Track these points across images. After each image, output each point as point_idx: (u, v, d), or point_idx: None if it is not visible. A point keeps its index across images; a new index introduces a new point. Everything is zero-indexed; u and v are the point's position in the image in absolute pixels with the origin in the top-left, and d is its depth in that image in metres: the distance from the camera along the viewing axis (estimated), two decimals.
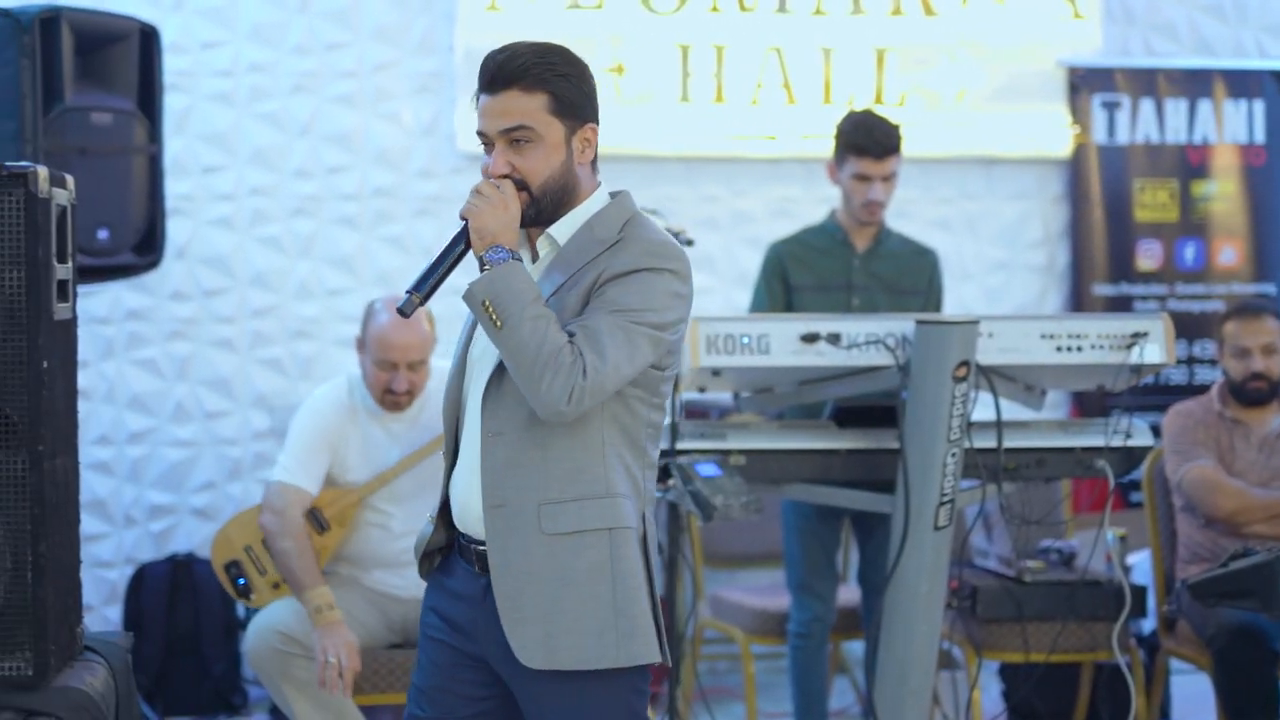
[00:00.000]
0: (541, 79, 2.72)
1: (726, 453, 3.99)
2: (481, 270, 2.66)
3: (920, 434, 3.85)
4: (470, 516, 2.77)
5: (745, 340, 3.90)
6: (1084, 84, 6.28)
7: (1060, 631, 4.47)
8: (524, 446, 2.70)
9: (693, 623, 4.35)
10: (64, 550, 2.76)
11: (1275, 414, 4.72)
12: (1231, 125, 6.38)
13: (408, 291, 2.67)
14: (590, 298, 2.68)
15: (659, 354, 2.72)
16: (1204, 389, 5.03)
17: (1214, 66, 6.39)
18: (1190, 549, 4.67)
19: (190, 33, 5.83)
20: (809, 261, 4.67)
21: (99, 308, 5.73)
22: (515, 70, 2.70)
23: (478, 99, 2.75)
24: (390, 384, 4.33)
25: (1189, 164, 6.37)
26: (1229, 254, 6.41)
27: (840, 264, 4.65)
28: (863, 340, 3.92)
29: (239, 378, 5.89)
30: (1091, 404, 5.98)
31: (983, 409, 3.95)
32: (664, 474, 3.91)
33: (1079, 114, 6.29)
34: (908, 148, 4.75)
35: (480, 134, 2.75)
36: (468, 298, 2.64)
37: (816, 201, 5.80)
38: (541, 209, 2.76)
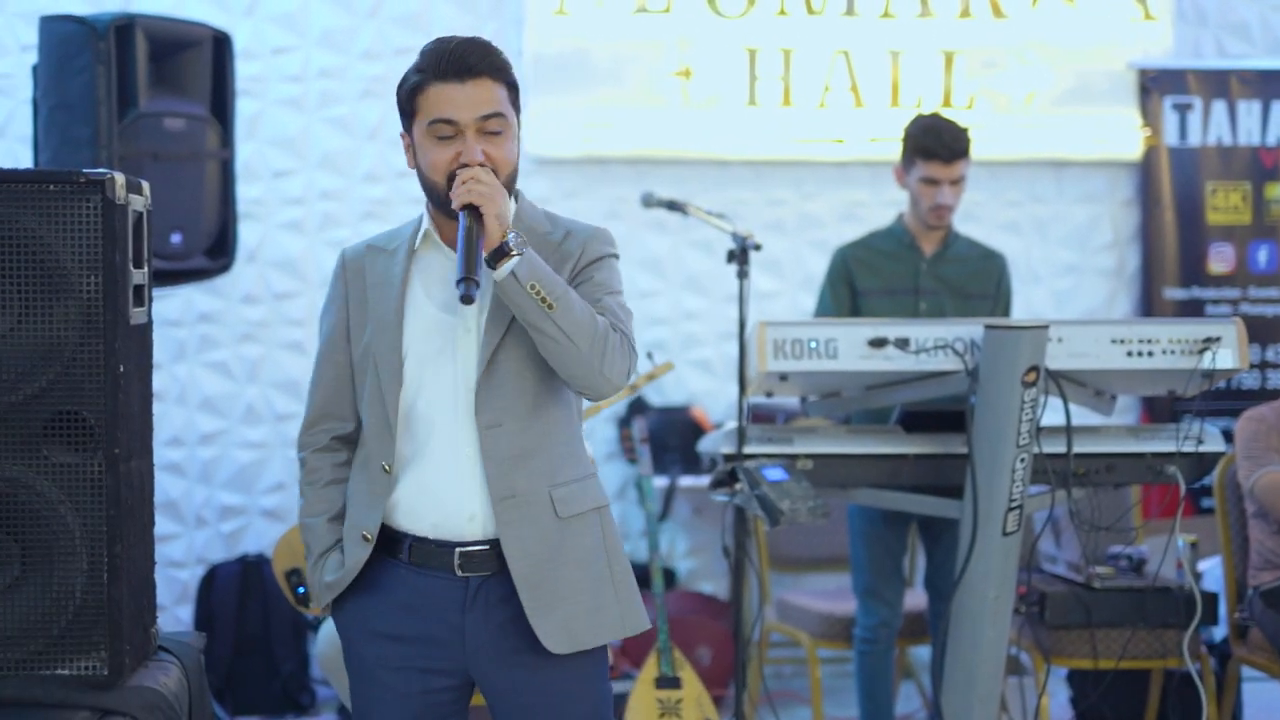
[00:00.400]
0: (504, 70, 2.77)
1: (793, 457, 3.98)
2: (499, 257, 2.63)
3: (989, 439, 3.83)
4: (456, 516, 2.74)
5: (813, 345, 3.89)
6: (1155, 85, 6.23)
7: (1130, 638, 4.43)
8: (530, 435, 2.75)
9: (759, 626, 4.34)
10: (139, 551, 2.79)
11: None
12: None
13: (461, 280, 2.59)
14: (572, 284, 2.76)
15: None
16: (1277, 394, 4.98)
17: None
18: (1262, 555, 4.61)
19: (261, 38, 5.88)
20: (876, 266, 4.65)
21: (171, 311, 5.80)
22: (486, 59, 2.73)
23: (423, 86, 2.72)
24: None
25: (1262, 166, 6.30)
26: None
27: (907, 268, 4.63)
28: (931, 345, 3.90)
29: (309, 380, 5.92)
30: (1162, 409, 5.93)
31: (1052, 414, 3.93)
32: (730, 478, 3.91)
33: (1150, 116, 6.23)
34: (976, 151, 4.73)
35: (446, 121, 2.71)
36: (506, 284, 2.63)
37: (884, 205, 5.78)
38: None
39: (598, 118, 6.00)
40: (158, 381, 5.69)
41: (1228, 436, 4.66)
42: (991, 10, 6.18)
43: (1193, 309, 6.23)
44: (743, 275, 4.16)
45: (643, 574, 5.87)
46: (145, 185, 2.83)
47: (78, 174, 2.66)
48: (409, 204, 5.96)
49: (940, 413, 4.09)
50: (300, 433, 2.94)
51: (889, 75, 6.13)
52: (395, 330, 2.77)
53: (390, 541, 2.79)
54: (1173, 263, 6.28)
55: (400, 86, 2.78)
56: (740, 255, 4.17)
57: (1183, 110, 6.27)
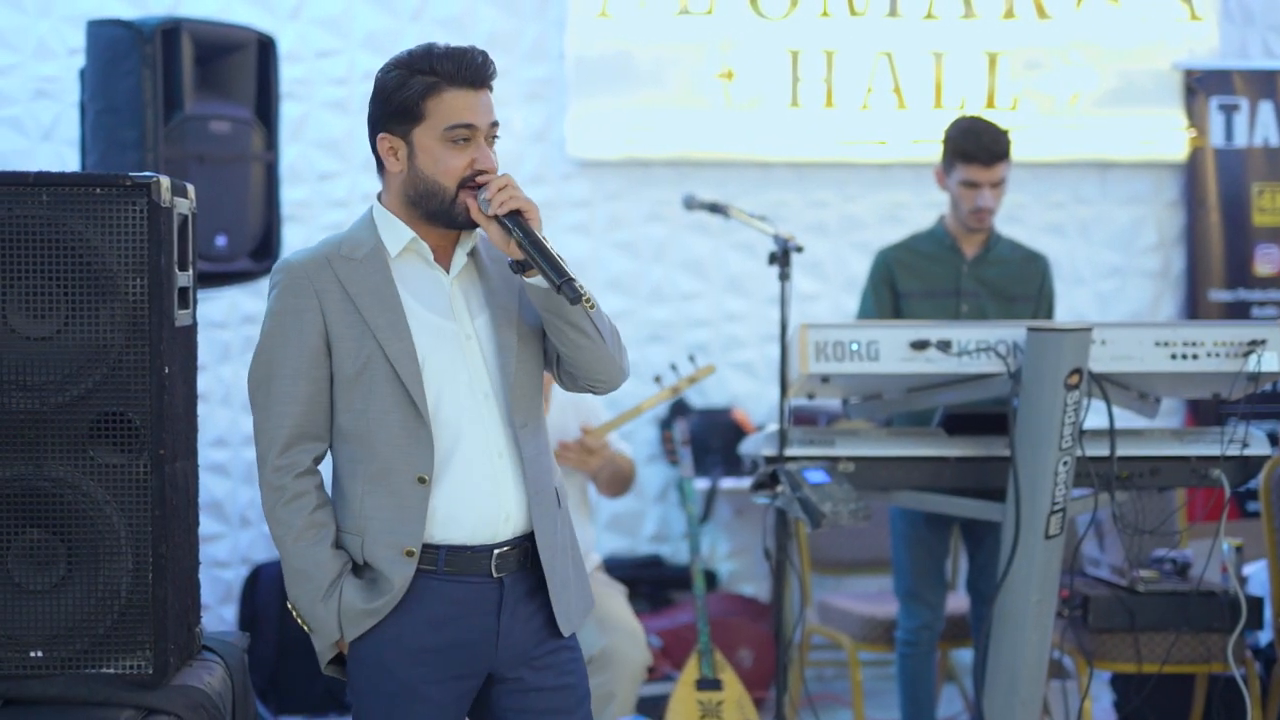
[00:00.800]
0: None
1: (835, 459, 3.98)
2: (534, 256, 2.68)
3: (1031, 442, 3.81)
4: (494, 519, 2.76)
5: (854, 347, 3.89)
6: (1200, 86, 6.19)
7: (1174, 642, 4.41)
8: (541, 433, 2.86)
9: (800, 629, 4.34)
10: (183, 551, 2.82)
11: None
12: None
13: (567, 281, 2.64)
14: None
15: None
16: None
17: None
18: None
19: (306, 42, 5.91)
20: (917, 268, 4.64)
21: (216, 312, 5.84)
22: (493, 69, 2.77)
23: (437, 90, 2.71)
24: None
25: None
26: None
27: (949, 270, 4.62)
28: (973, 347, 3.89)
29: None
30: (1207, 412, 5.89)
31: (1096, 416, 3.91)
32: (772, 480, 3.91)
33: (1195, 117, 6.19)
34: (1020, 152, 4.71)
35: (467, 126, 2.72)
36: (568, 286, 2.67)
37: (926, 206, 5.77)
38: None
39: (640, 120, 6.00)
40: (202, 383, 5.73)
41: (1273, 440, 4.62)
42: (1035, 11, 6.15)
43: (1238, 311, 6.19)
44: (784, 277, 4.16)
45: (684, 576, 5.90)
46: (190, 188, 2.86)
47: (123, 177, 2.68)
48: None
49: (983, 415, 4.08)
50: (269, 456, 2.74)
51: (932, 76, 6.12)
52: (407, 338, 2.73)
53: (420, 554, 2.75)
54: (1218, 265, 6.23)
55: (399, 89, 2.72)
56: (781, 257, 4.17)
57: (1229, 111, 6.23)
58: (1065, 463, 3.82)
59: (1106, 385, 3.91)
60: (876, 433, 4.16)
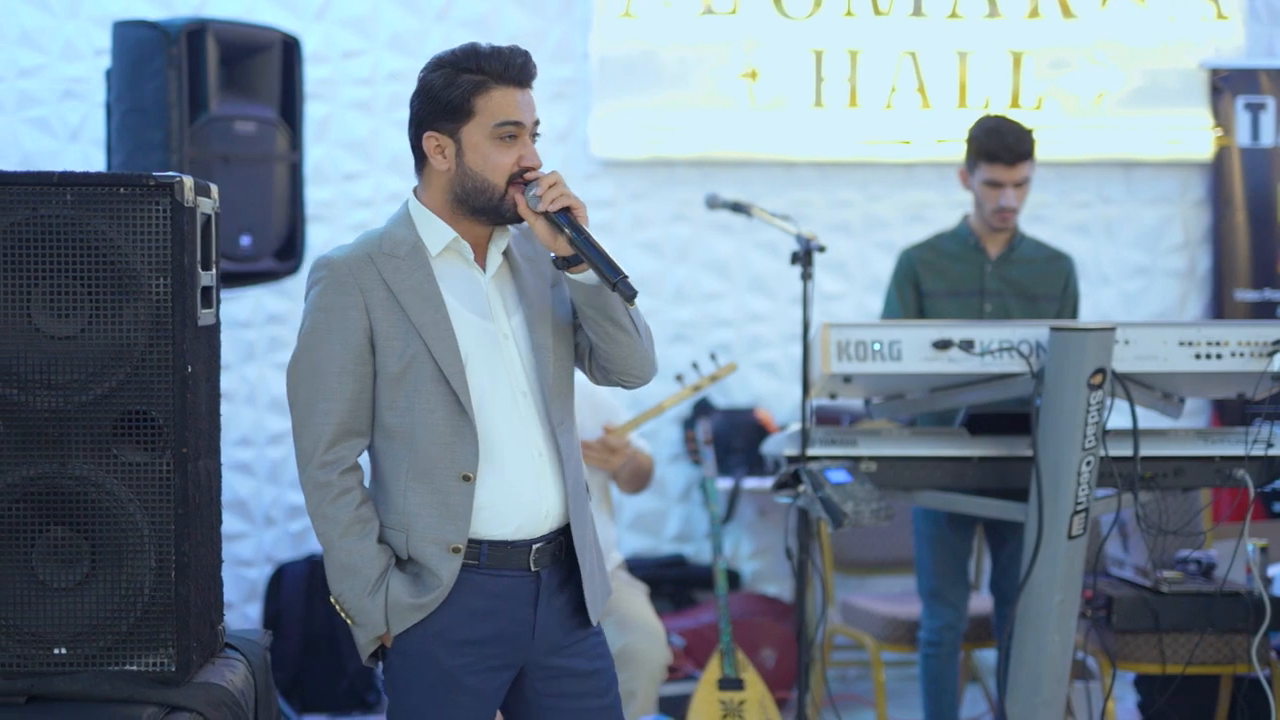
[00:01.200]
0: None
1: (857, 459, 3.98)
2: (588, 254, 2.73)
3: (1054, 442, 3.81)
4: (536, 515, 2.81)
5: (877, 346, 3.89)
6: (1227, 85, 6.16)
7: (1198, 643, 4.39)
8: (574, 431, 2.90)
9: (823, 629, 4.33)
10: (206, 550, 2.83)
11: None
12: None
13: (623, 278, 2.71)
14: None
15: None
16: None
17: None
18: None
19: (331, 42, 5.93)
20: (941, 267, 4.63)
21: (241, 312, 5.86)
22: (533, 70, 2.82)
23: (485, 88, 2.76)
24: None
25: None
26: None
27: (972, 270, 4.61)
28: (996, 347, 3.88)
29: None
30: (1233, 412, 5.86)
31: (1120, 416, 3.90)
32: (794, 479, 3.91)
33: (1221, 116, 6.17)
34: (1045, 151, 4.70)
35: (516, 124, 2.78)
36: (623, 283, 2.73)
37: (951, 206, 5.76)
38: None
39: (664, 120, 6.01)
40: (227, 382, 5.76)
41: None
42: (1061, 10, 6.14)
43: (1265, 311, 6.16)
44: (806, 277, 4.16)
45: (706, 575, 5.90)
46: (214, 188, 2.87)
47: (147, 177, 2.70)
48: None
49: (1006, 415, 4.07)
50: (315, 452, 2.79)
51: (956, 76, 6.11)
52: (451, 337, 2.76)
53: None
54: (1244, 264, 6.21)
55: (446, 87, 2.77)
56: (804, 257, 4.17)
57: (1255, 110, 6.20)
58: (1088, 463, 3.81)
59: (1130, 385, 3.90)
60: (899, 432, 4.15)
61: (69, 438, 2.69)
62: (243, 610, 5.89)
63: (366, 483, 2.85)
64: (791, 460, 3.97)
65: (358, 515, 2.77)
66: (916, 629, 4.80)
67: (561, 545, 2.86)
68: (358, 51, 5.97)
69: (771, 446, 4.21)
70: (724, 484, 5.80)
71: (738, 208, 4.45)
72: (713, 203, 4.54)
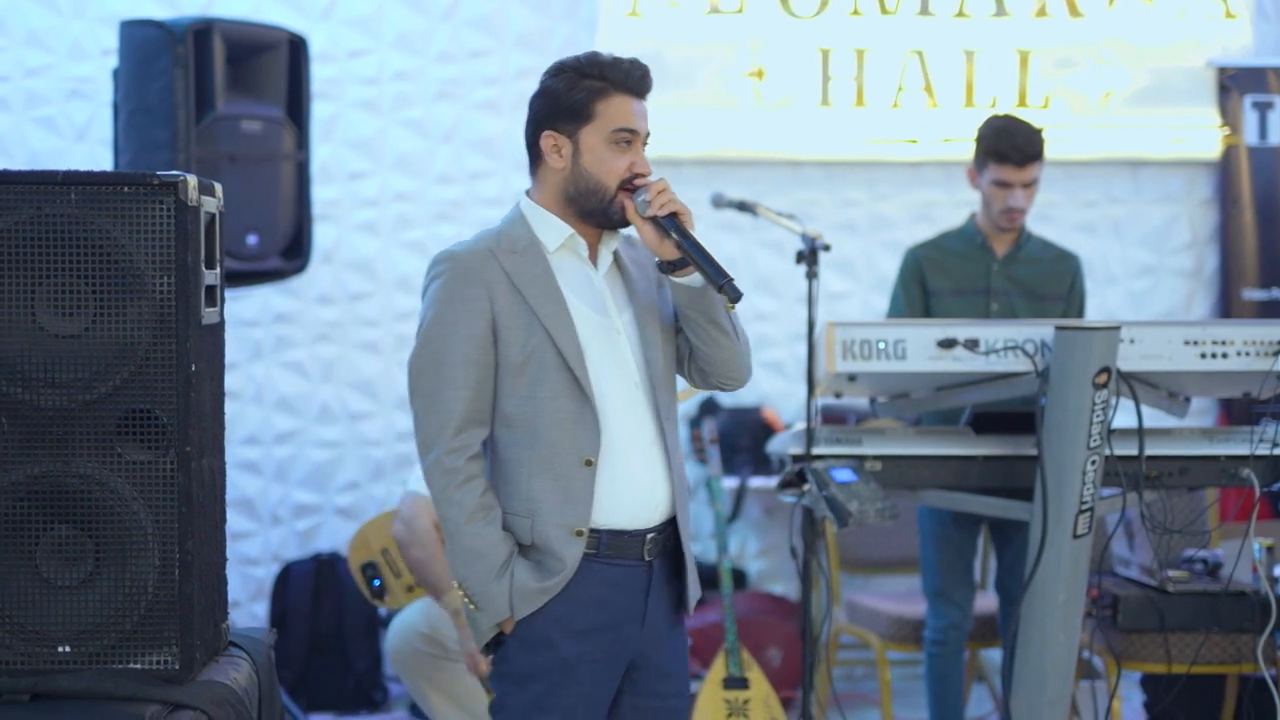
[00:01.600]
0: None
1: (862, 458, 3.98)
2: (687, 261, 2.85)
3: (1059, 441, 3.80)
4: (648, 505, 2.91)
5: (881, 345, 3.88)
6: (1234, 84, 6.15)
7: (1203, 643, 4.39)
8: (677, 425, 2.99)
9: (828, 628, 4.34)
10: (209, 548, 2.83)
11: None
12: None
13: (730, 281, 2.82)
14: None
15: None
16: None
17: None
18: None
19: (337, 42, 5.94)
20: (947, 266, 4.63)
21: (248, 311, 5.87)
22: (650, 83, 2.93)
23: (606, 94, 2.87)
24: None
25: None
26: None
27: (979, 269, 4.61)
28: (1001, 346, 3.88)
29: (383, 380, 5.99)
30: (1241, 411, 5.85)
31: (1125, 416, 3.90)
32: (799, 479, 3.91)
33: (1229, 115, 6.16)
34: (1052, 151, 4.69)
35: (632, 131, 2.90)
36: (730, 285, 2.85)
37: (957, 205, 5.75)
38: None
39: (670, 119, 6.00)
40: (234, 381, 5.78)
41: None
42: (1068, 9, 6.13)
43: (1272, 310, 6.15)
44: (811, 276, 4.16)
45: (710, 575, 5.89)
46: (218, 187, 2.87)
47: (151, 176, 2.70)
48: (482, 205, 6.00)
49: (1011, 414, 4.07)
50: (441, 439, 2.86)
51: (963, 75, 6.10)
52: (572, 328, 2.87)
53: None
54: (1252, 264, 6.20)
55: (569, 90, 2.88)
56: (809, 256, 4.17)
57: (1263, 109, 6.19)
58: (1093, 462, 3.81)
59: (1135, 384, 3.90)
60: (904, 431, 4.15)
61: (73, 436, 2.69)
62: (250, 609, 5.90)
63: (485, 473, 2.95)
64: (796, 459, 3.97)
65: (482, 502, 2.86)
66: (922, 628, 4.80)
67: (669, 537, 2.95)
68: (364, 51, 5.98)
69: (777, 445, 4.21)
70: (729, 483, 5.80)
71: (743, 207, 4.45)
72: (718, 202, 4.54)
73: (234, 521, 5.81)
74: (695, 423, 5.80)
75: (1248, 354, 3.92)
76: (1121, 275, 6.27)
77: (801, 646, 4.80)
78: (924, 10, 6.10)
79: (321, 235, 5.72)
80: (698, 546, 6.14)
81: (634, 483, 2.89)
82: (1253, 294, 6.19)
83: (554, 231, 2.92)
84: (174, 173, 2.72)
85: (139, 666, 2.71)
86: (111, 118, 4.69)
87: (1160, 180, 6.27)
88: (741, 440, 5.89)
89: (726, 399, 6.08)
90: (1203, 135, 6.19)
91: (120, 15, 4.89)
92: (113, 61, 4.70)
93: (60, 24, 5.84)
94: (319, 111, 5.61)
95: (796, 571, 4.09)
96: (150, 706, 2.64)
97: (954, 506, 4.18)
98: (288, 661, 5.54)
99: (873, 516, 3.78)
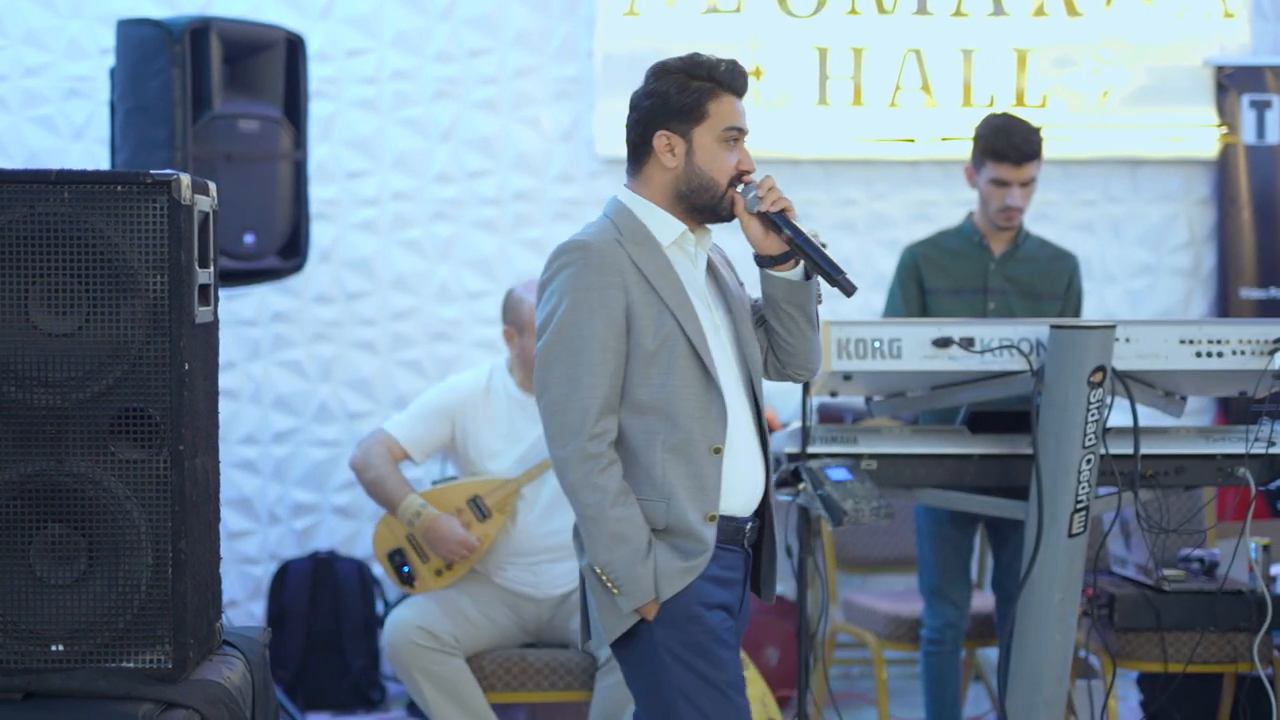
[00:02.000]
0: None
1: (858, 457, 3.97)
2: (787, 257, 3.01)
3: (1054, 440, 3.80)
4: (752, 493, 3.01)
5: (877, 344, 3.89)
6: (1232, 83, 6.15)
7: (1200, 642, 4.39)
8: (765, 418, 3.11)
9: (824, 627, 4.33)
10: (203, 547, 2.83)
11: None
12: None
13: (843, 272, 2.97)
14: None
15: None
16: None
17: None
18: None
19: (335, 41, 5.94)
20: (944, 265, 4.63)
21: (245, 310, 5.87)
22: (748, 83, 3.07)
23: (716, 94, 2.98)
24: None
25: None
26: None
27: (976, 267, 4.61)
28: (996, 345, 3.88)
29: (380, 379, 5.99)
30: (1238, 411, 5.85)
31: (1121, 415, 3.90)
32: (794, 478, 3.91)
33: (1227, 114, 6.16)
34: (1050, 149, 4.69)
35: (739, 129, 3.02)
36: (811, 281, 3.04)
37: (955, 204, 5.75)
38: None
39: None
40: (232, 380, 5.78)
41: None
42: (1066, 8, 6.13)
43: (1270, 309, 6.15)
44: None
45: None
46: (212, 185, 2.87)
47: (144, 175, 2.70)
48: (480, 204, 6.00)
49: (1007, 413, 4.07)
50: (585, 426, 2.90)
51: (961, 74, 6.10)
52: (697, 320, 2.96)
53: None
54: (1250, 263, 6.20)
55: (681, 91, 2.96)
56: None
57: (1260, 108, 6.19)
58: (1089, 461, 3.81)
59: (1131, 383, 3.90)
60: (899, 430, 4.15)
61: (66, 435, 2.70)
62: (247, 608, 5.90)
63: None
64: (792, 458, 3.97)
65: (623, 486, 2.91)
66: (918, 627, 4.80)
67: (755, 528, 3.06)
68: (362, 50, 5.98)
69: (773, 444, 4.21)
70: None
71: None
72: None
73: (232, 520, 5.82)
74: None
75: (1243, 353, 3.91)
76: (1120, 274, 6.27)
77: (798, 645, 4.81)
78: (921, 9, 6.09)
79: (319, 234, 5.72)
80: None
81: (744, 471, 2.99)
82: (1251, 293, 6.19)
83: (667, 227, 3.01)
84: (167, 171, 2.73)
85: (132, 665, 2.72)
86: (109, 117, 4.69)
87: (1158, 179, 6.27)
88: None
89: None
90: (1201, 134, 6.18)
91: (118, 14, 4.88)
92: (110, 60, 4.70)
93: (58, 23, 5.85)
94: (317, 110, 5.62)
95: (793, 570, 4.09)
96: (143, 705, 2.65)
97: (949, 505, 4.19)
98: (285, 660, 5.54)
99: (868, 515, 3.78)
